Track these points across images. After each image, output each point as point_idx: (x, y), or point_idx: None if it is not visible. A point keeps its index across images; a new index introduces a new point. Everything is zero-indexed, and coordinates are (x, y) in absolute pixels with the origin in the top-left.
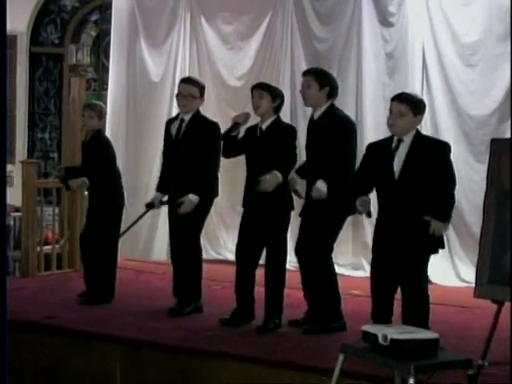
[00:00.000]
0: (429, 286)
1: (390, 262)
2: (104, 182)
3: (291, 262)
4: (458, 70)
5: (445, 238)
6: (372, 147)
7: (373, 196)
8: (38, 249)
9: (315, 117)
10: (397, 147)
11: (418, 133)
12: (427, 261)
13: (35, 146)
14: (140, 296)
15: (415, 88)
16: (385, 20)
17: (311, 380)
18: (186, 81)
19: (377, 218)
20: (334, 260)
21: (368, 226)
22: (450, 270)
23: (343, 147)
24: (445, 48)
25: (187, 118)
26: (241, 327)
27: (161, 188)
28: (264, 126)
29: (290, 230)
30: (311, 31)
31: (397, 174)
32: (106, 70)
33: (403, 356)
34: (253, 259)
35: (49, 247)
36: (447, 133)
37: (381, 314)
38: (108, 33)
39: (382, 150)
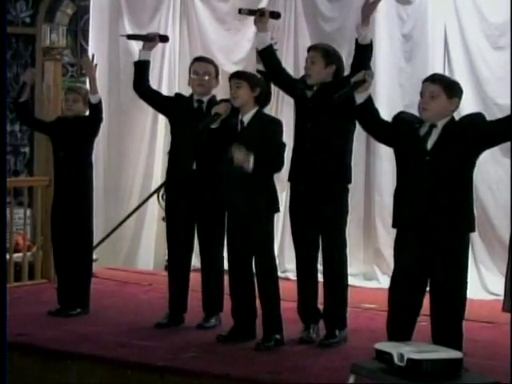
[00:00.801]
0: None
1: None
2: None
3: (289, 271)
4: (485, 53)
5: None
6: (399, 122)
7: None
8: (7, 257)
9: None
10: (428, 133)
11: (453, 119)
12: (467, 249)
13: None
14: (123, 310)
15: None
16: None
17: None
18: (200, 59)
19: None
20: None
21: (380, 230)
22: (476, 281)
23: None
24: (470, 28)
25: (205, 99)
26: (239, 345)
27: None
28: (245, 120)
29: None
30: (317, 9)
31: (429, 148)
32: (85, 52)
33: (422, 378)
34: (247, 268)
35: (19, 255)
36: None
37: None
38: (86, 11)
39: (410, 132)
